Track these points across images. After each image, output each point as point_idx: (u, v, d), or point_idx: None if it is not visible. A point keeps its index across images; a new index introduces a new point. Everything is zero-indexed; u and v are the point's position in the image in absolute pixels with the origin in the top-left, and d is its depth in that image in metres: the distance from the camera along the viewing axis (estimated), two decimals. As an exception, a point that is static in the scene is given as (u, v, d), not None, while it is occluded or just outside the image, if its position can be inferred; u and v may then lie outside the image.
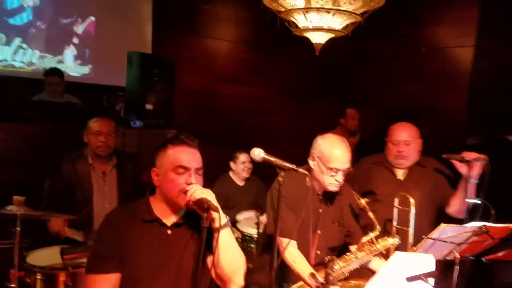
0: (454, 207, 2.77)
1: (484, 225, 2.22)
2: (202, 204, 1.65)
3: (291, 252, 2.24)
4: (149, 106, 3.57)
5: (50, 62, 4.85)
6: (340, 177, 2.31)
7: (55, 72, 4.41)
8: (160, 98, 3.61)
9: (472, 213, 2.57)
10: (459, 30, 4.80)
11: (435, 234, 2.19)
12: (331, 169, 2.29)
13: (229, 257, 1.72)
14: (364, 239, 2.33)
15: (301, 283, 2.26)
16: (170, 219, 1.80)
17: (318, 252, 2.39)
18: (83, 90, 4.70)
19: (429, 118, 4.66)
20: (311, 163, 2.38)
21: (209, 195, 1.69)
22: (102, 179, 3.04)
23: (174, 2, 5.03)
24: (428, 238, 2.21)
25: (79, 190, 2.93)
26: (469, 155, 2.60)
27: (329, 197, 2.44)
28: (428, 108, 4.82)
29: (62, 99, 4.38)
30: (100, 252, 1.72)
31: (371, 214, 2.31)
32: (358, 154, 4.98)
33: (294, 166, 1.91)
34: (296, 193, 2.35)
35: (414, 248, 2.32)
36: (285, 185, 2.31)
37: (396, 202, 2.75)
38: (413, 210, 2.61)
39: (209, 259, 1.76)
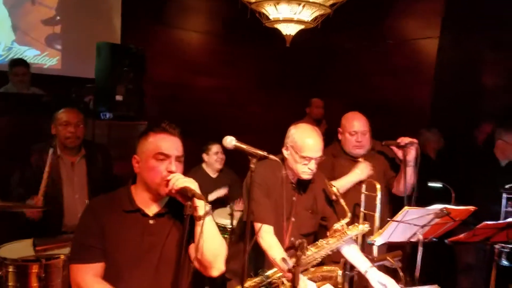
0: (398, 188, 2.93)
1: (446, 208, 2.33)
2: (185, 193, 1.66)
3: (266, 238, 2.29)
4: (119, 97, 3.54)
5: (17, 53, 4.72)
6: (312, 165, 2.37)
7: (20, 63, 4.30)
8: (130, 89, 3.58)
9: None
10: (424, 22, 4.93)
11: (399, 216, 2.29)
12: (304, 157, 2.34)
13: (212, 243, 1.74)
14: (336, 226, 2.39)
15: (276, 268, 2.31)
16: (152, 209, 1.81)
17: (292, 239, 2.44)
18: (50, 82, 4.60)
19: (395, 109, 4.81)
20: (284, 152, 2.44)
21: (192, 183, 1.70)
22: (71, 169, 3.02)
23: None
24: (392, 220, 2.31)
25: (48, 181, 2.89)
26: (403, 140, 2.74)
27: (302, 185, 2.50)
28: (395, 99, 4.96)
29: (28, 90, 4.28)
30: (83, 242, 1.73)
31: (342, 202, 2.38)
32: (325, 143, 5.09)
33: (265, 153, 1.96)
34: (270, 181, 2.40)
35: (380, 231, 2.41)
36: (260, 173, 2.37)
37: (364, 188, 2.85)
38: (379, 195, 2.71)
39: (192, 247, 1.78)
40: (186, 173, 4.29)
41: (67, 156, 3.02)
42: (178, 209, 1.73)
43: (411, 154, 2.76)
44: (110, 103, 3.61)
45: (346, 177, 2.89)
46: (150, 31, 4.99)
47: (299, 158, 2.36)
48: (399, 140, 2.77)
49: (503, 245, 2.92)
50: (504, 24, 4.61)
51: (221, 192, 4.10)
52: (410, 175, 2.80)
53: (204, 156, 4.27)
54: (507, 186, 3.10)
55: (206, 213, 1.72)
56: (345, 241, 2.39)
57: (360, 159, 3.01)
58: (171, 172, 1.73)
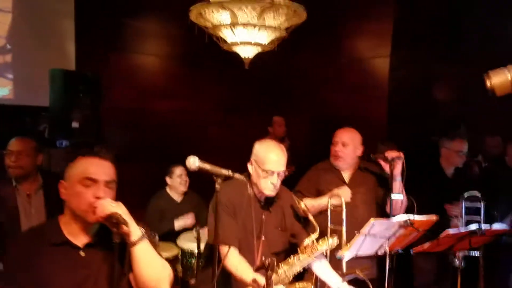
0: (389, 205, 2.94)
1: (409, 219, 2.38)
2: (111, 219, 1.57)
3: (231, 260, 2.25)
4: (75, 124, 3.43)
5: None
6: (275, 179, 2.37)
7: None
8: (86, 115, 3.48)
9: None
10: (375, 42, 5.13)
11: (365, 229, 2.31)
12: (266, 171, 2.34)
13: (151, 269, 1.65)
14: (306, 241, 2.39)
15: None
16: (81, 240, 1.69)
17: (263, 258, 2.41)
18: (3, 112, 4.40)
19: (353, 125, 4.90)
20: (249, 167, 2.43)
21: (119, 209, 1.61)
22: (27, 201, 2.89)
23: (97, 18, 4.89)
24: (359, 233, 2.33)
25: (4, 213, 2.78)
26: (390, 154, 2.79)
27: (270, 203, 2.49)
28: (352, 115, 5.07)
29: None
30: (10, 281, 1.60)
31: (311, 217, 2.38)
32: (288, 160, 5.11)
33: (230, 172, 1.94)
34: (237, 201, 2.37)
35: (348, 245, 2.42)
36: (226, 193, 2.34)
37: (329, 202, 2.87)
38: (344, 209, 2.73)
39: (132, 275, 1.69)
40: (150, 198, 4.22)
41: (23, 187, 2.90)
42: (110, 237, 1.61)
43: (398, 168, 2.78)
44: (66, 130, 3.50)
45: (319, 199, 2.91)
46: (106, 56, 4.91)
47: (261, 172, 2.36)
48: (386, 154, 2.79)
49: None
50: (451, 39, 4.87)
51: (187, 221, 4.03)
52: (398, 189, 2.79)
53: (168, 179, 4.19)
54: (466, 195, 3.20)
55: (140, 239, 1.63)
56: (316, 256, 2.39)
57: (345, 178, 3.04)
58: (98, 198, 1.62)
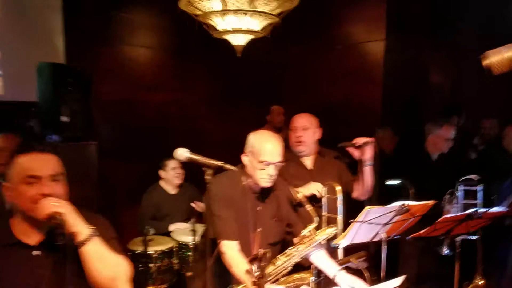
0: (358, 190, 2.95)
1: (405, 204, 2.35)
2: (53, 220, 1.50)
3: (229, 254, 2.23)
4: (64, 119, 3.36)
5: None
6: (272, 170, 2.32)
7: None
8: (76, 109, 3.41)
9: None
10: (369, 26, 5.06)
11: (361, 217, 2.28)
12: (262, 162, 2.30)
13: (103, 268, 1.58)
14: (304, 232, 2.36)
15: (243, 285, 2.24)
16: (34, 238, 1.62)
17: (260, 250, 2.38)
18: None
19: (348, 111, 4.88)
20: (244, 159, 2.39)
21: (62, 207, 1.53)
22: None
23: (86, 11, 4.81)
24: (355, 221, 2.30)
25: None
26: (359, 141, 2.79)
27: (265, 194, 2.45)
28: (347, 102, 5.04)
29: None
30: None
31: (308, 207, 2.34)
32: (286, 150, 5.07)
33: (221, 163, 1.90)
34: (231, 193, 2.34)
35: (344, 233, 2.39)
36: (220, 185, 2.30)
37: (325, 191, 2.84)
38: (340, 197, 2.70)
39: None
40: (144, 192, 4.20)
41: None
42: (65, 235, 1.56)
43: (368, 154, 2.80)
44: (55, 125, 3.43)
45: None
46: (96, 49, 4.82)
47: (257, 163, 2.31)
48: (354, 141, 2.80)
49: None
50: (445, 25, 4.82)
51: (181, 225, 4.00)
52: (368, 175, 2.82)
53: (161, 172, 4.16)
54: (463, 178, 3.17)
55: (88, 238, 1.56)
56: (314, 246, 2.36)
57: (308, 165, 3.00)
58: (44, 195, 1.54)
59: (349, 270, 2.42)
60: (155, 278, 3.64)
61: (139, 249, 3.64)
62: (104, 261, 1.59)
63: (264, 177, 2.32)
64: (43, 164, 1.58)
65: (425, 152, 3.64)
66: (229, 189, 2.34)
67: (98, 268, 1.57)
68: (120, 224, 4.74)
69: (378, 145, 4.66)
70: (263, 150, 2.31)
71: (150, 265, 3.62)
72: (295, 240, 2.48)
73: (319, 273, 2.43)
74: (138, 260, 3.64)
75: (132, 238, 3.85)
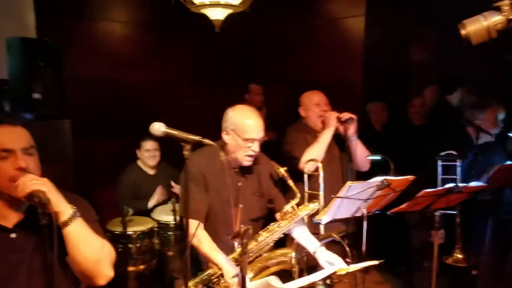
0: (355, 164, 2.97)
1: (386, 179, 2.34)
2: (34, 198, 1.42)
3: (196, 234, 2.17)
4: (37, 96, 3.22)
5: None
6: (256, 147, 2.29)
7: None
8: (49, 86, 3.26)
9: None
10: (349, 1, 5.00)
11: (342, 192, 2.27)
12: (247, 140, 2.26)
13: (86, 251, 1.52)
14: (286, 207, 2.36)
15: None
16: (10, 220, 1.55)
17: (242, 225, 2.36)
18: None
19: (329, 88, 4.82)
20: (225, 137, 2.33)
21: (44, 185, 1.45)
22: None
23: (57, -17, 4.60)
24: (336, 197, 2.29)
25: None
26: (344, 116, 2.85)
27: (246, 169, 2.41)
28: (327, 78, 4.99)
29: None
30: None
31: (291, 182, 2.34)
32: (265, 129, 5.03)
33: (199, 138, 1.84)
34: (209, 170, 2.29)
35: (326, 209, 2.38)
36: (196, 162, 2.25)
37: (306, 168, 2.82)
38: (321, 174, 2.69)
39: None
40: (122, 171, 4.11)
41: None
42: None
43: (351, 129, 2.85)
44: (27, 103, 3.29)
45: (319, 140, 2.89)
46: (68, 24, 4.63)
47: (242, 142, 2.26)
48: (339, 116, 2.82)
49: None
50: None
51: (159, 197, 3.96)
52: (360, 148, 2.90)
53: (138, 152, 4.12)
54: (442, 154, 3.19)
55: (71, 218, 1.49)
56: (296, 222, 2.35)
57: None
58: (21, 169, 1.47)
59: (331, 244, 2.44)
60: (135, 259, 3.61)
61: (118, 229, 3.58)
62: (88, 243, 1.53)
63: (250, 154, 2.29)
64: (15, 137, 1.52)
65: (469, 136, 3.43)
66: (205, 166, 2.29)
67: (82, 250, 1.51)
68: (98, 204, 4.65)
69: (370, 119, 4.73)
70: (247, 127, 2.26)
71: (130, 245, 3.57)
72: (277, 215, 2.46)
73: (301, 249, 2.43)
74: (118, 241, 3.59)
75: (111, 218, 3.78)
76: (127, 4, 5.21)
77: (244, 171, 2.42)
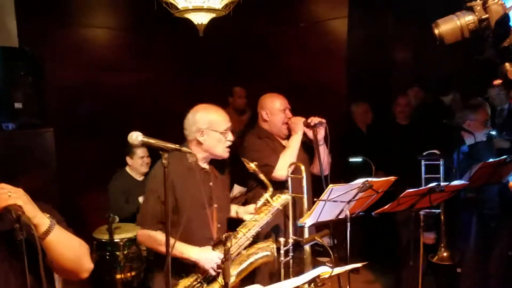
0: (316, 168, 2.90)
1: (367, 181, 2.36)
2: (10, 213, 1.33)
3: (148, 236, 2.25)
4: (18, 105, 3.20)
5: None
6: (231, 136, 2.37)
7: None
8: (29, 95, 3.25)
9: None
10: (332, 3, 5.02)
11: (325, 195, 2.28)
12: (225, 131, 2.33)
13: (68, 253, 1.51)
14: (260, 202, 2.41)
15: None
16: None
17: (219, 225, 2.38)
18: None
19: (313, 89, 4.85)
20: (201, 139, 2.33)
21: (20, 198, 1.37)
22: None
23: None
24: (319, 200, 2.30)
25: None
26: (313, 120, 2.80)
27: (214, 169, 2.45)
28: (311, 79, 5.00)
29: None
30: None
31: (262, 176, 2.39)
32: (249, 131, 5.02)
33: (178, 146, 1.86)
34: (179, 174, 2.27)
35: (309, 212, 2.39)
36: (161, 171, 2.24)
37: (289, 171, 2.81)
38: (305, 177, 2.69)
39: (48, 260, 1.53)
40: (109, 178, 4.07)
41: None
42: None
43: (321, 134, 2.80)
44: (9, 112, 3.27)
45: (290, 146, 2.84)
46: (50, 31, 4.59)
47: (220, 135, 2.31)
48: (309, 120, 2.79)
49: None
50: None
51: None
52: (325, 154, 2.84)
53: (128, 159, 4.07)
54: (425, 153, 3.21)
55: (50, 228, 1.44)
56: (273, 214, 2.40)
57: (284, 141, 2.99)
58: None
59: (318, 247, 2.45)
60: (123, 266, 3.58)
61: (105, 237, 3.56)
62: (68, 246, 1.52)
63: (228, 144, 2.36)
64: None
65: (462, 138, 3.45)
66: (173, 171, 2.27)
67: (63, 254, 1.50)
68: (84, 211, 4.64)
69: (355, 121, 4.75)
70: (220, 120, 2.34)
71: (117, 253, 3.55)
72: (241, 210, 2.53)
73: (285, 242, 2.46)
74: (105, 249, 3.57)
75: (96, 224, 3.76)
76: (110, 10, 5.19)
77: (213, 171, 2.43)
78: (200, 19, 4.03)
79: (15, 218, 1.33)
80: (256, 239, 2.44)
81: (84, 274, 1.58)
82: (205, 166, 2.39)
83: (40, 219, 1.43)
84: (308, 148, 2.95)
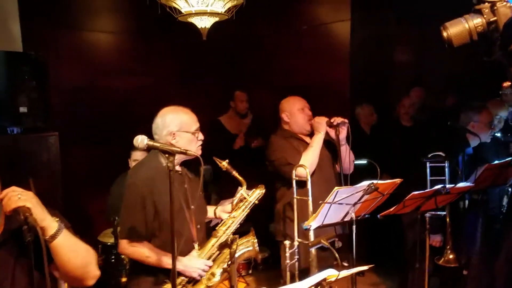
0: (344, 167, 2.93)
1: (373, 183, 2.35)
2: (19, 215, 1.37)
3: (138, 250, 2.23)
4: (22, 109, 3.21)
5: None
6: (201, 135, 2.39)
7: None
8: (34, 99, 3.26)
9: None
10: (334, 5, 5.01)
11: (330, 198, 2.27)
12: (195, 131, 2.35)
13: (76, 259, 1.52)
14: (236, 198, 2.42)
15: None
16: None
17: (198, 226, 2.37)
18: None
19: (316, 92, 4.84)
20: (173, 142, 2.31)
21: (29, 200, 1.40)
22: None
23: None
24: (325, 203, 2.29)
25: None
26: (336, 120, 2.86)
27: (187, 169, 2.45)
28: (314, 82, 5.00)
29: None
30: None
31: (235, 173, 2.40)
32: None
33: (183, 149, 1.87)
34: (157, 179, 2.24)
35: (314, 215, 2.39)
36: (142, 175, 2.26)
37: (294, 174, 2.82)
38: (309, 180, 2.69)
39: (54, 266, 1.55)
40: (113, 181, 4.08)
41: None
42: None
43: (343, 134, 2.87)
44: (14, 117, 3.28)
45: (313, 145, 2.93)
46: (54, 35, 4.61)
47: (191, 135, 2.33)
48: (332, 120, 2.84)
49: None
50: (408, 1, 4.81)
51: None
52: (347, 152, 2.91)
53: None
54: (430, 155, 3.20)
55: (58, 231, 1.46)
56: (250, 208, 2.42)
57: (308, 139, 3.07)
58: None
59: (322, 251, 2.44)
60: (128, 270, 3.58)
61: (110, 241, 3.56)
62: (75, 251, 1.53)
63: (200, 143, 2.38)
64: None
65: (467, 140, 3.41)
66: (152, 177, 2.27)
67: (72, 259, 1.51)
68: (88, 215, 4.64)
69: (359, 122, 4.76)
70: (190, 120, 2.36)
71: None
72: (219, 209, 2.56)
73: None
74: (110, 252, 3.57)
75: (101, 228, 3.76)
76: (113, 14, 5.21)
77: (186, 172, 2.43)
78: (203, 23, 4.04)
79: (23, 220, 1.36)
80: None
81: (90, 282, 1.59)
82: (178, 168, 2.37)
83: (49, 222, 1.45)
84: (331, 147, 3.02)
